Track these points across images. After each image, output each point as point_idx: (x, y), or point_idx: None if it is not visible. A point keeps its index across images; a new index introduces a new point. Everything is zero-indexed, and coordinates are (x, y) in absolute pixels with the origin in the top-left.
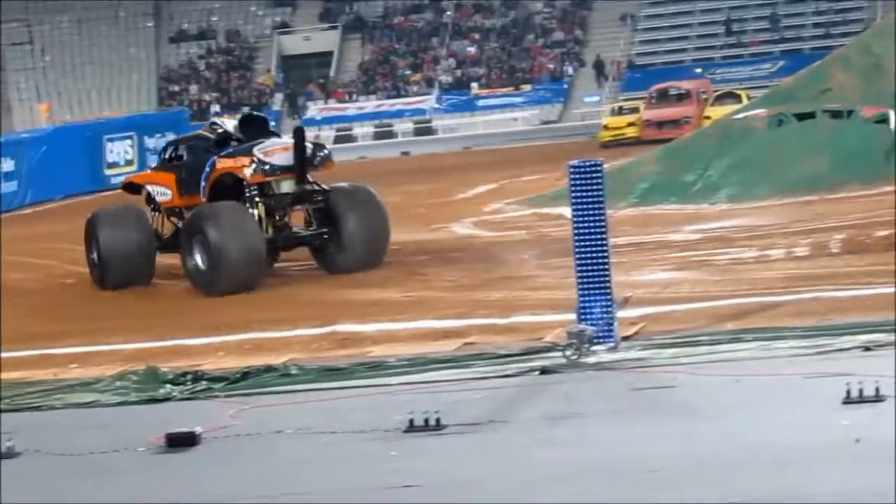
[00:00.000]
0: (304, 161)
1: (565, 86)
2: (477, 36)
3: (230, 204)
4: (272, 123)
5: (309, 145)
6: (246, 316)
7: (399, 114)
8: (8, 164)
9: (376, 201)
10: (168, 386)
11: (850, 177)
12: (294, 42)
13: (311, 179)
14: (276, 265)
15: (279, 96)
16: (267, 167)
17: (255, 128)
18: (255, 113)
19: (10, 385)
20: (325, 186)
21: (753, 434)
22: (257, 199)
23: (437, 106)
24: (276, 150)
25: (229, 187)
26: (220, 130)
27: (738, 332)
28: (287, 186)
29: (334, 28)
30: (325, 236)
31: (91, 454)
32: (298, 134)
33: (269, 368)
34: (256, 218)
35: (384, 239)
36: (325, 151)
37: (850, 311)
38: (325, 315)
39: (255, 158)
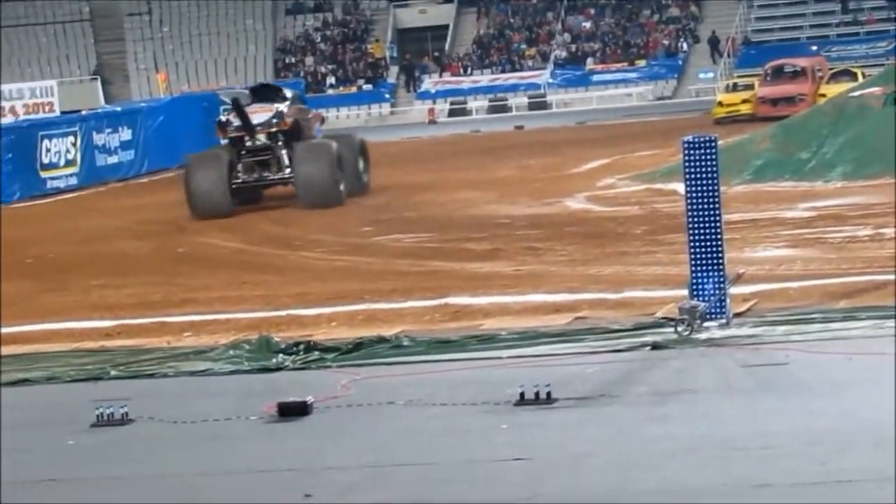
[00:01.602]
0: (247, 123)
1: (680, 62)
2: (592, 11)
3: (209, 152)
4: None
5: (274, 109)
6: (360, 287)
7: (513, 88)
8: (126, 133)
9: (329, 157)
10: (280, 355)
11: None
12: (410, 15)
13: (266, 136)
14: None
15: (394, 69)
16: (228, 126)
17: (264, 94)
18: (267, 83)
19: (125, 353)
20: (275, 143)
21: (865, 412)
22: (239, 150)
23: (551, 80)
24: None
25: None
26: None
27: (850, 310)
28: (251, 141)
29: (450, 2)
30: (292, 181)
31: (203, 422)
32: (236, 104)
33: (381, 339)
34: (229, 163)
35: (331, 186)
36: (278, 117)
37: None
38: (437, 287)
39: (221, 119)
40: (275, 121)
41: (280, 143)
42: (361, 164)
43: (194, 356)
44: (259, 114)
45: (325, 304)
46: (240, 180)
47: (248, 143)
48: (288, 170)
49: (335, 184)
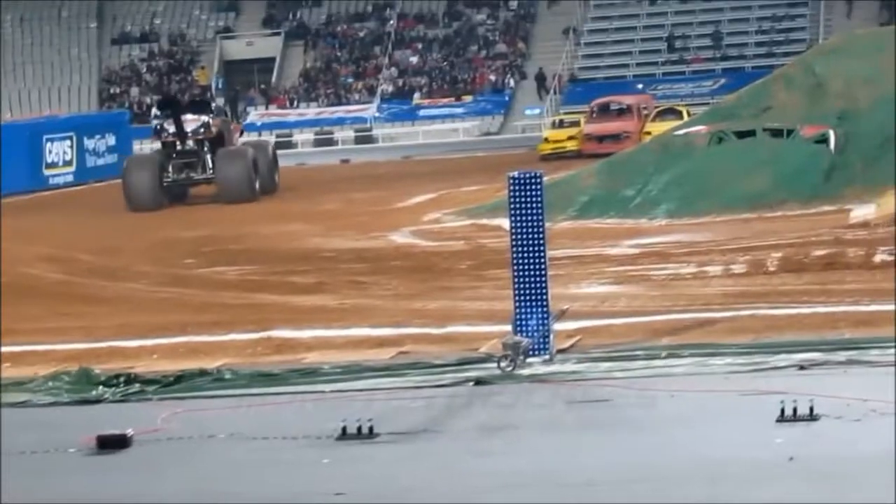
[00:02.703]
0: (180, 131)
1: (507, 98)
2: (419, 46)
3: (144, 154)
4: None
5: (202, 120)
6: (182, 319)
7: (340, 121)
8: None
9: (246, 161)
10: (101, 387)
11: (790, 195)
12: (237, 47)
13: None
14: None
15: (220, 101)
16: (163, 133)
17: (194, 106)
18: (199, 98)
19: None
20: (201, 148)
21: (687, 449)
22: (170, 153)
23: (378, 115)
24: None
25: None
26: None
27: (674, 347)
28: (182, 145)
29: (277, 34)
30: (212, 181)
31: (21, 454)
32: (175, 114)
33: (202, 372)
34: (160, 164)
35: (247, 185)
36: (205, 126)
37: (786, 330)
38: (261, 320)
39: (156, 126)
40: (202, 129)
41: (205, 149)
42: (274, 168)
43: (13, 387)
44: (189, 123)
45: (147, 335)
46: (170, 179)
47: (179, 147)
48: (211, 171)
49: (251, 183)
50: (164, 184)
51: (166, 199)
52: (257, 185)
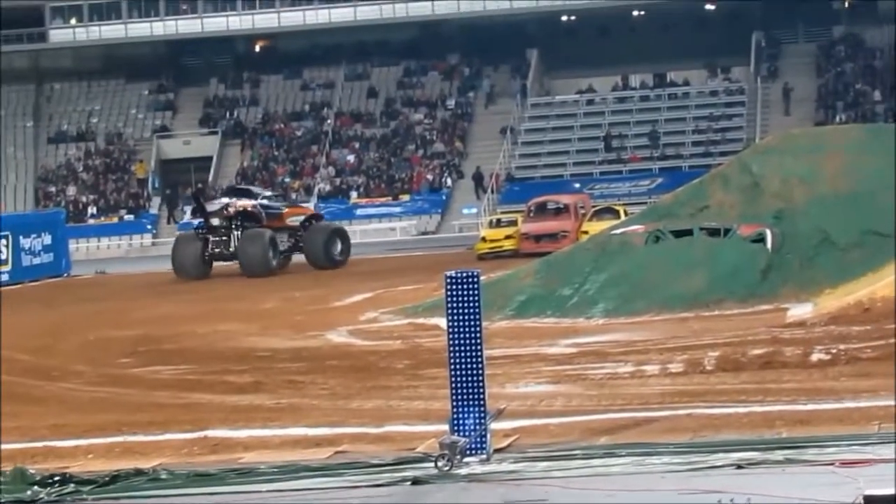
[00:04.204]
0: (204, 212)
1: (444, 197)
2: (357, 145)
3: (190, 232)
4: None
5: (223, 201)
6: (117, 418)
7: None
8: None
9: (263, 241)
10: (36, 487)
11: (727, 295)
12: (174, 146)
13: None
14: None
15: (157, 200)
16: (198, 212)
17: (234, 192)
18: (241, 186)
19: None
20: (232, 225)
21: None
22: (209, 230)
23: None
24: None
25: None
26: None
27: (611, 446)
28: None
29: (214, 133)
30: (237, 256)
31: None
32: (197, 198)
33: (138, 472)
34: (201, 240)
35: (265, 264)
36: (225, 207)
37: (723, 429)
38: (197, 419)
39: (194, 207)
40: (223, 210)
41: (233, 227)
42: (339, 246)
43: None
44: (211, 204)
45: (82, 435)
46: (208, 253)
47: (207, 224)
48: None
49: (267, 260)
50: (206, 256)
51: (208, 270)
52: (274, 262)
